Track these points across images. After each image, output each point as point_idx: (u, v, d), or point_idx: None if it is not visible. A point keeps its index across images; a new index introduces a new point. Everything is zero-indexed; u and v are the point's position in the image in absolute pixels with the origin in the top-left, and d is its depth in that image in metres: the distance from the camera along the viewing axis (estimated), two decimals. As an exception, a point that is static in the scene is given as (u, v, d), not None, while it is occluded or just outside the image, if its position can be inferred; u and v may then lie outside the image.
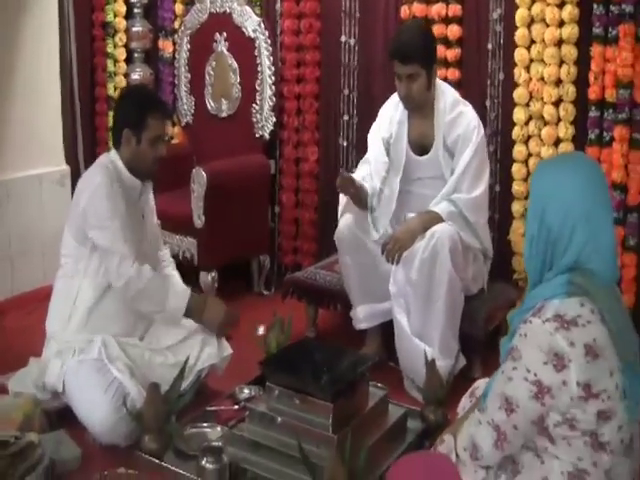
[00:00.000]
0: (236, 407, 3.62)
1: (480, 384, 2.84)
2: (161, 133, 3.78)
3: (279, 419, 3.17)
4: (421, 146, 4.19)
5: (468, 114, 4.12)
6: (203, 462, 3.05)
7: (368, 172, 4.28)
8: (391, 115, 4.26)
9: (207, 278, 4.97)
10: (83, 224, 3.62)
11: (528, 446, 2.40)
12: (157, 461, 3.23)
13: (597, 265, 2.35)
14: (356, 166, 4.71)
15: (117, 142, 3.73)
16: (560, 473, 2.32)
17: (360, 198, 4.21)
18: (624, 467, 2.35)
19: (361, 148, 4.56)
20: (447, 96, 4.15)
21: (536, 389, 2.26)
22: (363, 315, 4.29)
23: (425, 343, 3.89)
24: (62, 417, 3.56)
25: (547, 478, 2.34)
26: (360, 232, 4.19)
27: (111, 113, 5.96)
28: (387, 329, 4.17)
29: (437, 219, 3.94)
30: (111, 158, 3.73)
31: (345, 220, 4.24)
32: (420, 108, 4.13)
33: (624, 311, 2.44)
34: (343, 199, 4.31)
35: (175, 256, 4.86)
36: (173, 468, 3.19)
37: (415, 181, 4.25)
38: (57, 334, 3.68)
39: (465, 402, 2.85)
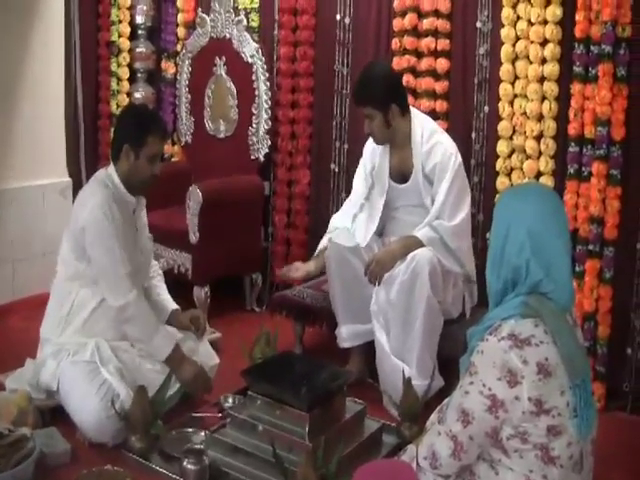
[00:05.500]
0: (220, 414, 3.71)
1: (448, 400, 2.85)
2: (158, 152, 3.85)
3: (259, 426, 3.29)
4: (402, 175, 4.29)
5: (444, 142, 4.20)
6: (185, 463, 3.20)
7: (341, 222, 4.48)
8: (374, 147, 4.38)
9: (200, 293, 5.05)
10: (82, 241, 3.68)
11: (484, 457, 2.49)
12: (142, 460, 3.36)
13: (554, 292, 2.45)
14: (345, 190, 4.91)
15: (116, 156, 3.79)
16: (513, 484, 2.42)
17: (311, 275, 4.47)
18: (574, 483, 2.44)
19: (351, 173, 4.64)
20: (424, 126, 4.24)
21: (490, 403, 2.36)
22: (347, 334, 4.36)
23: (403, 362, 3.97)
24: (54, 415, 3.67)
25: (501, 488, 2.43)
26: (348, 253, 4.27)
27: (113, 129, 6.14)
28: (370, 348, 4.23)
29: (418, 244, 4.03)
30: (109, 173, 3.80)
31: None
32: (391, 142, 4.27)
33: (575, 334, 2.51)
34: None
35: (170, 270, 5.02)
36: (157, 468, 3.33)
37: (399, 209, 4.36)
38: (52, 338, 3.76)
39: (434, 417, 2.88)
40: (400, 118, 4.21)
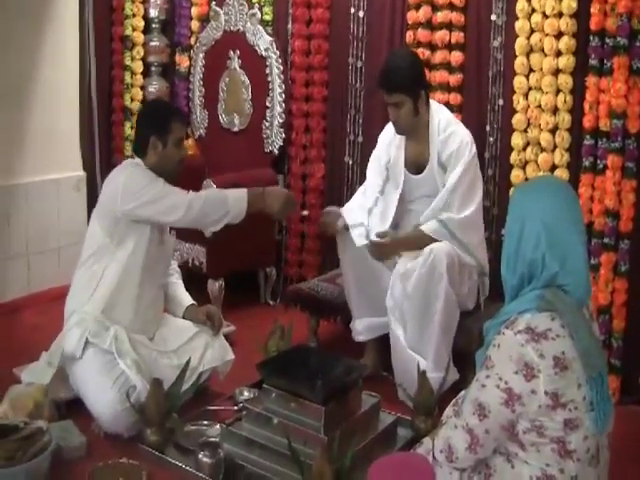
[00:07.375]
0: (235, 408, 3.73)
1: (463, 393, 2.84)
2: (183, 135, 3.93)
3: (274, 419, 3.29)
4: (417, 165, 4.27)
5: (460, 132, 4.19)
6: (200, 456, 3.20)
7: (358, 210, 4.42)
8: (390, 140, 4.37)
9: (214, 286, 5.04)
10: (116, 209, 3.69)
11: (500, 451, 2.49)
12: (158, 453, 3.38)
13: (571, 284, 2.45)
14: (360, 183, 4.81)
15: (142, 151, 3.84)
16: (529, 477, 2.41)
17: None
18: (590, 477, 2.44)
19: (365, 166, 4.60)
20: (441, 116, 4.23)
21: (507, 396, 2.36)
22: (362, 328, 4.37)
23: (419, 355, 3.96)
24: (70, 408, 3.69)
25: (517, 482, 2.43)
26: (362, 248, 4.23)
27: (127, 123, 6.13)
28: (385, 342, 4.23)
29: (428, 239, 4.04)
30: (137, 162, 3.86)
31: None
32: (412, 132, 4.23)
33: (591, 328, 2.50)
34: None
35: (185, 263, 5.03)
36: (172, 460, 3.34)
37: (414, 201, 4.34)
38: (78, 308, 3.76)
39: (449, 411, 2.87)
40: (425, 106, 4.22)
